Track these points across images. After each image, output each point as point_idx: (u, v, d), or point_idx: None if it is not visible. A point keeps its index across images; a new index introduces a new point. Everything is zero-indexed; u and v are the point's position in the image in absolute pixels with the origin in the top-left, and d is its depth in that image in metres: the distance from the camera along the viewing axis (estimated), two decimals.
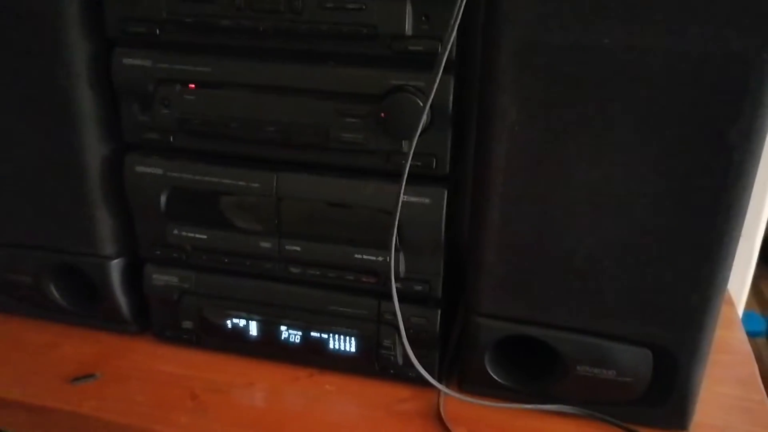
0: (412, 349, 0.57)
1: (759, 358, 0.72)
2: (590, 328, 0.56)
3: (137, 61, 0.57)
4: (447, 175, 0.56)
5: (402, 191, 0.51)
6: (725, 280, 0.53)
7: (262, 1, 0.52)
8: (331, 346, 0.64)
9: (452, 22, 0.47)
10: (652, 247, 0.52)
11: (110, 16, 0.56)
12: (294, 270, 0.62)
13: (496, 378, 0.61)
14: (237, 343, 0.67)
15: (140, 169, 0.61)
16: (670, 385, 0.56)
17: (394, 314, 0.57)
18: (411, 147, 0.50)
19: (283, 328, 0.65)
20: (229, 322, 0.66)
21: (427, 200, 0.56)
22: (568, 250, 0.54)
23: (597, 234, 0.52)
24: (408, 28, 0.51)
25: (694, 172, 0.49)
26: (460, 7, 0.47)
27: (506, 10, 0.48)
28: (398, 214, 0.52)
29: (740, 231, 0.51)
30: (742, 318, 0.83)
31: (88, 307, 0.70)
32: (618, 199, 0.51)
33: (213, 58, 0.56)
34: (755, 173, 0.49)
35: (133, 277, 0.68)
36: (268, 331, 0.65)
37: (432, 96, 0.49)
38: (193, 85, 0.57)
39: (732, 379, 0.67)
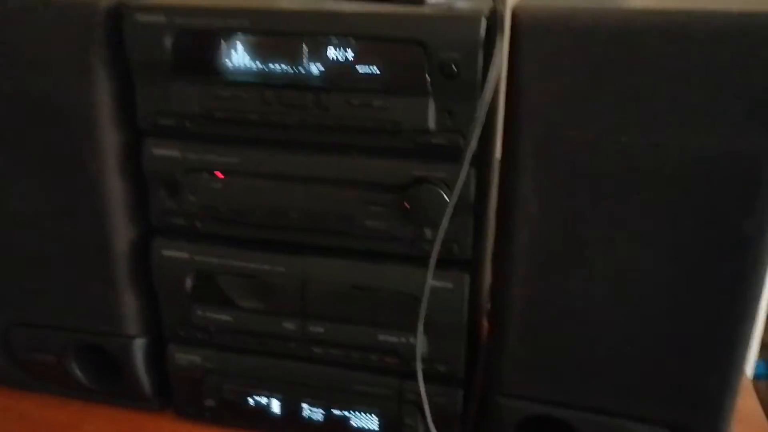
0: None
1: (764, 401, 0.73)
2: (613, 409, 0.57)
3: (167, 152, 0.59)
4: (468, 260, 0.58)
5: (429, 279, 0.53)
6: (744, 359, 0.54)
7: (291, 98, 0.54)
8: (354, 424, 0.65)
9: (475, 121, 0.50)
10: (672, 331, 0.53)
11: (142, 109, 0.58)
12: (317, 350, 0.63)
13: None
14: (259, 421, 0.67)
15: (167, 253, 0.62)
16: None
17: (416, 393, 0.58)
18: (438, 239, 0.52)
19: (305, 406, 0.66)
20: (251, 400, 0.67)
21: (449, 284, 0.58)
22: (590, 333, 0.55)
23: (619, 318, 0.54)
24: (431, 123, 0.53)
25: (711, 260, 0.50)
26: (483, 107, 0.49)
27: (527, 107, 0.50)
28: (425, 301, 0.53)
29: (757, 313, 0.53)
30: None
31: (109, 384, 0.71)
32: (638, 285, 0.52)
33: (240, 149, 0.58)
34: None
35: (156, 355, 0.69)
36: (291, 409, 0.66)
37: (458, 192, 0.51)
38: (220, 175, 0.59)
39: None
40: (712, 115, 0.47)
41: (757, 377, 1.46)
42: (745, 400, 0.76)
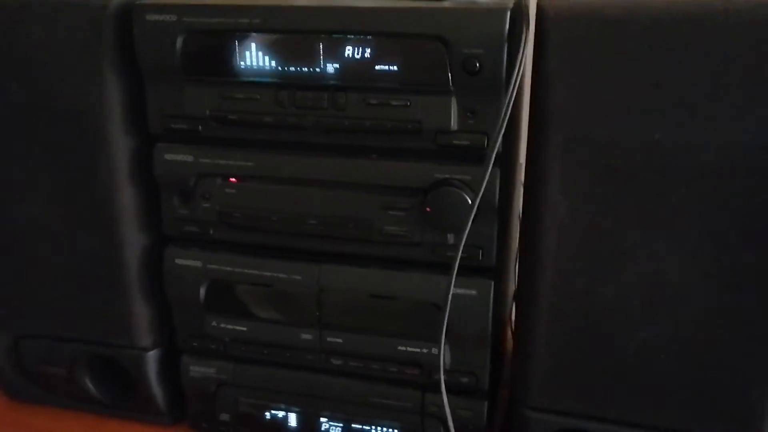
0: None
1: None
2: (643, 423, 0.54)
3: (179, 157, 0.57)
4: (492, 266, 0.56)
5: (452, 286, 0.51)
6: None
7: (306, 99, 0.52)
8: None
9: (501, 120, 0.47)
10: (707, 342, 0.50)
11: (152, 113, 0.57)
12: (335, 362, 0.61)
13: None
14: None
15: (180, 261, 0.61)
16: None
17: (439, 406, 0.56)
18: (460, 243, 0.49)
19: (323, 420, 0.63)
20: (267, 414, 0.64)
21: (473, 292, 0.55)
22: (620, 344, 0.52)
23: (650, 328, 0.51)
24: (453, 123, 0.51)
25: (753, 265, 0.48)
26: (509, 105, 0.47)
27: (554, 105, 0.48)
28: (448, 309, 0.51)
29: None
30: None
31: (122, 398, 0.69)
32: (672, 293, 0.50)
33: (255, 153, 0.56)
34: None
35: (169, 367, 0.67)
36: (308, 423, 0.64)
37: (481, 193, 0.48)
38: (234, 179, 0.57)
39: None
40: (752, 108, 0.44)
41: None
42: None
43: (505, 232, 0.59)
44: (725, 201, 0.47)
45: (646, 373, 0.53)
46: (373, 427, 0.62)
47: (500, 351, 0.67)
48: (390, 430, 0.62)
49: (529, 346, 0.55)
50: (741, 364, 0.50)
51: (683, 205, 0.47)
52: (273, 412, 0.64)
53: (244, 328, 0.62)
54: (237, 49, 0.52)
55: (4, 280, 0.65)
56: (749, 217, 0.46)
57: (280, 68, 0.52)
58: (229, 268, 0.60)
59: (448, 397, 0.55)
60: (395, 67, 0.50)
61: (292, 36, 0.51)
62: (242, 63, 0.53)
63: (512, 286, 0.71)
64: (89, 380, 0.69)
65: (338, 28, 0.50)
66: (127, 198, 0.59)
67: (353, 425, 0.63)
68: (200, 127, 0.55)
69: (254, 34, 0.52)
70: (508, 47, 0.48)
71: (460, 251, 0.50)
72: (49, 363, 0.68)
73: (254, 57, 0.52)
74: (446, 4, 0.50)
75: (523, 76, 0.50)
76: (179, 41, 0.53)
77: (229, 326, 0.62)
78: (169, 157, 0.57)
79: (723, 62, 0.44)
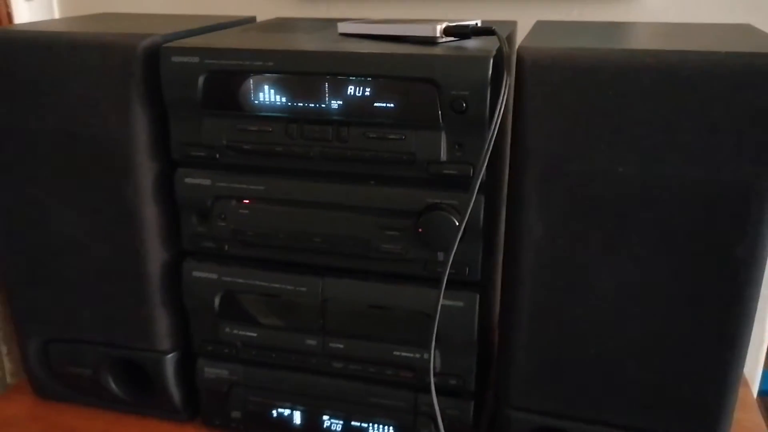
0: None
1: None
2: (615, 422, 0.60)
3: (198, 181, 0.64)
4: (478, 281, 0.62)
5: (441, 298, 0.57)
6: (740, 371, 0.57)
7: (312, 132, 0.59)
8: None
9: (484, 153, 0.54)
10: (670, 346, 0.57)
11: (175, 142, 0.63)
12: (337, 365, 0.67)
13: None
14: (282, 431, 0.71)
15: (197, 273, 0.67)
16: None
17: (430, 406, 0.62)
18: (449, 260, 0.56)
19: (325, 417, 0.70)
20: (275, 412, 0.71)
21: (460, 303, 0.61)
22: (592, 349, 0.58)
23: (619, 335, 0.57)
24: (443, 155, 0.57)
25: (705, 281, 0.54)
26: (491, 140, 0.54)
27: (531, 141, 0.54)
28: (437, 319, 0.57)
29: (751, 329, 0.56)
30: None
31: (142, 397, 0.75)
32: (637, 305, 0.56)
33: (266, 178, 0.62)
34: (761, 281, 0.54)
35: (186, 369, 0.73)
36: (312, 420, 0.70)
37: (467, 217, 0.55)
38: (247, 201, 0.63)
39: None
40: (704, 147, 0.50)
41: (764, 392, 1.46)
42: (749, 413, 0.79)
43: (492, 248, 0.66)
44: (680, 227, 0.53)
45: (614, 376, 0.59)
46: (371, 424, 0.68)
47: (488, 356, 0.73)
48: (386, 427, 0.68)
49: (511, 351, 0.61)
50: (696, 368, 0.57)
51: (644, 230, 0.54)
52: (279, 410, 0.71)
53: (254, 334, 0.68)
54: (252, 88, 0.59)
55: (38, 289, 0.72)
56: (702, 241, 0.53)
57: (289, 105, 0.59)
58: (241, 280, 0.66)
59: (438, 398, 0.61)
60: (392, 105, 0.57)
61: (301, 77, 0.58)
62: (256, 100, 0.59)
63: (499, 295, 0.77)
64: (112, 380, 0.75)
65: (342, 70, 0.57)
66: (150, 216, 0.65)
67: (352, 423, 0.69)
68: (218, 155, 0.62)
69: (267, 74, 0.58)
70: (490, 90, 0.54)
71: (449, 267, 0.56)
72: (75, 364, 0.75)
73: (267, 94, 0.59)
74: (437, 50, 0.56)
75: (505, 114, 0.57)
76: (201, 80, 0.59)
77: (241, 332, 0.68)
78: (189, 180, 0.64)
79: (677, 107, 0.50)
